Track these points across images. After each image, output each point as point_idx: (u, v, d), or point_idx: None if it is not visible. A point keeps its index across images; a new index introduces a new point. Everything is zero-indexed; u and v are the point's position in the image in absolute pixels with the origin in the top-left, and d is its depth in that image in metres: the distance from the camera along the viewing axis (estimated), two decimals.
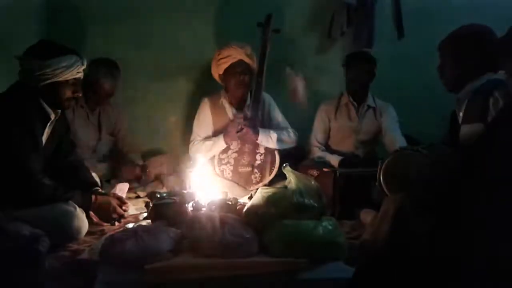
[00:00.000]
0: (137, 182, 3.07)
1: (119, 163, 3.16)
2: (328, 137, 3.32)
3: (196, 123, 3.17)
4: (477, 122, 2.03)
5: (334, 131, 3.29)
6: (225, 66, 3.04)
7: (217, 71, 3.12)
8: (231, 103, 3.18)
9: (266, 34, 3.09)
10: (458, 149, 2.11)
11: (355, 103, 3.23)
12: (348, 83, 3.20)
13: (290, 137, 3.16)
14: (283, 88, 3.29)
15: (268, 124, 3.20)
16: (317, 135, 3.28)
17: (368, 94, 3.22)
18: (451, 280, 1.28)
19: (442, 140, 2.43)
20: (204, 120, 3.16)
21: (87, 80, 2.65)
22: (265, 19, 3.12)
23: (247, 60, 3.04)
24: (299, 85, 3.14)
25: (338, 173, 2.66)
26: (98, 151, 3.15)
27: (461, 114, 2.18)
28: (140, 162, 3.24)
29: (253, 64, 3.08)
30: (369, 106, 3.22)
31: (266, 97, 3.21)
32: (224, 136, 3.03)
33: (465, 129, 2.10)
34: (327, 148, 3.29)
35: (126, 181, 2.82)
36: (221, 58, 3.05)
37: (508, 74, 1.86)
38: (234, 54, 3.02)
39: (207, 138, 3.13)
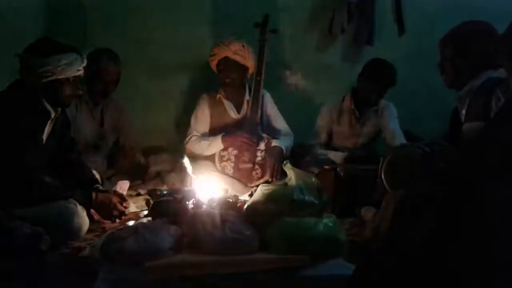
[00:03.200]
0: (137, 179, 3.07)
1: (120, 160, 3.16)
2: (330, 137, 3.32)
3: (193, 118, 3.19)
4: (480, 120, 2.02)
5: (336, 134, 3.29)
6: (214, 63, 3.11)
7: (212, 68, 3.18)
8: (229, 99, 3.18)
9: (263, 34, 3.11)
10: (459, 146, 2.11)
11: (357, 111, 3.21)
12: (359, 94, 3.15)
13: (291, 141, 3.20)
14: (282, 86, 3.30)
15: (266, 122, 3.22)
16: (319, 136, 3.28)
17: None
18: (450, 278, 1.28)
19: (443, 137, 2.43)
20: (202, 116, 3.17)
21: (90, 71, 2.63)
22: (262, 19, 3.14)
23: (233, 56, 3.04)
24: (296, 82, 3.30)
25: (339, 171, 2.66)
26: (100, 148, 3.15)
27: (463, 112, 2.17)
28: (141, 160, 3.25)
29: (244, 60, 3.07)
30: (371, 110, 3.21)
31: (266, 95, 3.22)
32: (224, 139, 3.04)
33: (468, 127, 2.10)
34: (329, 147, 3.29)
35: (126, 177, 2.83)
36: (210, 56, 3.11)
37: (508, 73, 1.86)
38: (220, 52, 3.06)
39: (204, 134, 3.15)
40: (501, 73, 2.07)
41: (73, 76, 2.25)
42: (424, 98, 3.60)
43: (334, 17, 3.64)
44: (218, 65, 3.10)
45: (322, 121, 3.28)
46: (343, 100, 3.24)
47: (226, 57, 3.04)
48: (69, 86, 2.25)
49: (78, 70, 2.26)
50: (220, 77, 3.11)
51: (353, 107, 3.19)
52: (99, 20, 3.43)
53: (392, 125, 3.17)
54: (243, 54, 3.06)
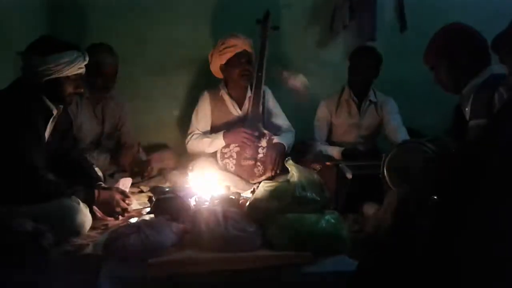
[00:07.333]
0: (140, 177, 3.08)
1: (122, 158, 3.16)
2: (330, 132, 3.32)
3: (195, 116, 3.17)
4: (484, 117, 2.01)
5: (336, 127, 3.30)
6: (230, 55, 3.03)
7: (218, 62, 3.09)
8: (231, 96, 3.18)
9: (265, 30, 3.11)
10: (462, 143, 2.10)
11: (356, 100, 3.22)
12: (352, 78, 3.19)
13: (293, 138, 3.18)
14: (282, 83, 3.29)
15: (267, 118, 3.21)
16: (319, 131, 3.29)
17: (370, 90, 3.22)
18: (452, 274, 1.28)
19: (446, 132, 2.42)
20: (203, 114, 3.16)
21: (87, 66, 2.62)
22: (263, 16, 3.13)
23: (250, 51, 3.06)
24: (298, 85, 3.30)
25: (341, 168, 2.65)
26: (102, 145, 3.15)
27: (467, 109, 2.16)
28: (144, 157, 3.24)
29: (253, 56, 3.10)
30: (370, 102, 3.22)
31: (267, 91, 3.22)
32: (225, 135, 3.03)
33: (473, 125, 2.09)
34: (330, 142, 3.29)
35: (127, 172, 2.83)
36: (226, 47, 3.03)
37: (509, 69, 1.85)
38: (240, 44, 3.02)
39: (205, 132, 3.14)
40: (504, 68, 2.06)
41: (75, 74, 2.25)
42: (426, 94, 3.58)
43: (335, 13, 3.63)
44: (236, 57, 3.02)
45: (321, 113, 3.30)
46: (342, 92, 3.25)
47: (245, 50, 3.03)
48: (70, 84, 2.25)
49: (80, 68, 2.26)
50: (239, 70, 3.03)
51: (352, 96, 3.20)
52: (99, 19, 3.42)
53: (394, 121, 3.16)
54: (253, 51, 3.08)
